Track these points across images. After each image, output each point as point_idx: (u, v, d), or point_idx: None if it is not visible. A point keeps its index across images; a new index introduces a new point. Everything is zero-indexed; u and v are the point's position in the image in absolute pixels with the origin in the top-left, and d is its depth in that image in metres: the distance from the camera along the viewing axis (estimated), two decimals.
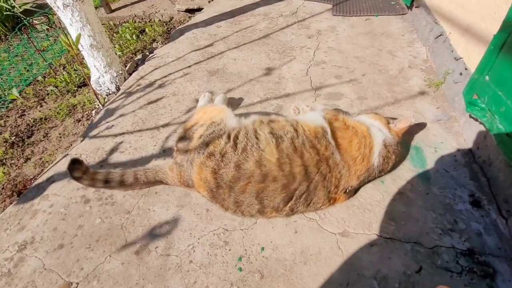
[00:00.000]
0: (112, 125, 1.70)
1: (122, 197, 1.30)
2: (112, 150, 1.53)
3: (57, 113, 2.42)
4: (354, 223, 1.14)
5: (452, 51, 1.70)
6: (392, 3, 2.89)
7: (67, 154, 1.57)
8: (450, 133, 1.47)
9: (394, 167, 1.30)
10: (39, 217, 1.26)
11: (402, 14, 2.67)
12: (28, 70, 3.06)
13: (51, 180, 1.43)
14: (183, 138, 1.29)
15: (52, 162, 1.96)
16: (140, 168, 1.28)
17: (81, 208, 1.28)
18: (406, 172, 1.31)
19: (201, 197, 1.26)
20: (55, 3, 1.92)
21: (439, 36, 1.91)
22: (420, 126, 1.52)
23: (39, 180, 1.45)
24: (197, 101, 1.81)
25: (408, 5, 2.58)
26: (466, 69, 1.52)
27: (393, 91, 1.77)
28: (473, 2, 1.53)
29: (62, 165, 1.49)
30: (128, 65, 2.45)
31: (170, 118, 1.70)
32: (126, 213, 1.24)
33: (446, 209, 1.17)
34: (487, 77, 1.16)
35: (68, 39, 1.82)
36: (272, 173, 1.05)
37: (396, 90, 1.78)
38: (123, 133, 1.63)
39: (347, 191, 1.14)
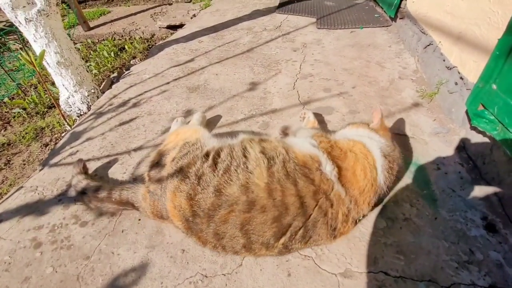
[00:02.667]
0: (77, 151, 1.50)
1: (82, 238, 1.09)
2: None
3: (22, 137, 2.19)
4: (357, 259, 0.96)
5: (444, 60, 1.62)
6: (375, 15, 2.87)
7: (22, 187, 1.34)
8: (451, 147, 1.35)
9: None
10: None
11: (387, 26, 2.64)
12: None
13: None
14: (155, 164, 1.11)
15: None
16: (118, 186, 1.14)
17: (30, 254, 1.06)
18: (410, 193, 1.16)
19: (176, 235, 1.07)
20: (16, 18, 1.75)
21: (428, 45, 1.84)
22: (419, 141, 1.40)
23: None
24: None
25: (393, 17, 2.54)
26: (461, 78, 1.43)
27: (386, 104, 1.66)
28: (463, 9, 1.46)
29: (13, 201, 1.27)
30: (103, 83, 2.27)
31: (143, 140, 1.52)
32: (85, 259, 1.02)
33: (459, 237, 1.02)
34: (494, 86, 1.05)
35: (28, 55, 1.64)
36: (261, 201, 0.87)
37: (389, 102, 1.67)
38: (89, 160, 1.43)
39: (357, 221, 0.99)
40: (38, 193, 1.29)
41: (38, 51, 1.87)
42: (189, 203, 0.92)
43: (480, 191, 1.16)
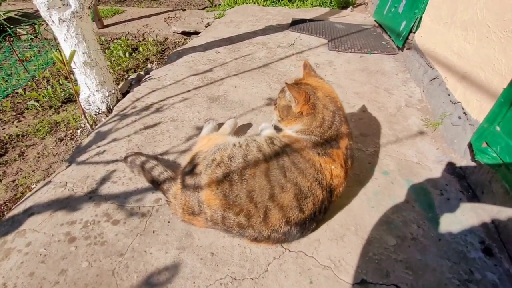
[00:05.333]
0: (104, 151, 1.57)
1: (114, 235, 1.16)
2: (104, 179, 1.39)
3: (37, 130, 2.22)
4: (371, 272, 1.07)
5: (449, 95, 1.78)
6: (383, 42, 3.06)
7: (50, 181, 1.40)
8: (453, 175, 1.49)
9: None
10: (13, 258, 1.08)
11: (394, 54, 2.82)
12: (6, 81, 2.84)
13: (29, 212, 1.25)
14: (189, 172, 1.20)
15: (27, 186, 1.76)
16: (160, 167, 1.33)
17: (65, 248, 1.11)
18: (417, 215, 1.29)
19: (204, 239, 1.15)
20: (50, 17, 1.82)
21: (434, 79, 2.00)
22: (424, 167, 1.53)
23: (15, 212, 1.26)
24: (197, 128, 1.73)
25: (400, 46, 2.73)
26: (465, 113, 1.58)
27: (393, 129, 1.80)
28: (469, 52, 1.62)
29: (43, 194, 1.32)
30: (121, 84, 2.34)
31: (169, 146, 1.60)
32: (119, 256, 1.09)
33: (460, 258, 1.14)
34: (498, 128, 1.20)
35: (61, 55, 1.70)
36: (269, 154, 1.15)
37: (396, 128, 1.81)
38: (116, 161, 1.50)
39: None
40: (68, 189, 1.35)
41: (66, 50, 1.94)
42: (226, 179, 1.07)
43: (478, 217, 1.29)
